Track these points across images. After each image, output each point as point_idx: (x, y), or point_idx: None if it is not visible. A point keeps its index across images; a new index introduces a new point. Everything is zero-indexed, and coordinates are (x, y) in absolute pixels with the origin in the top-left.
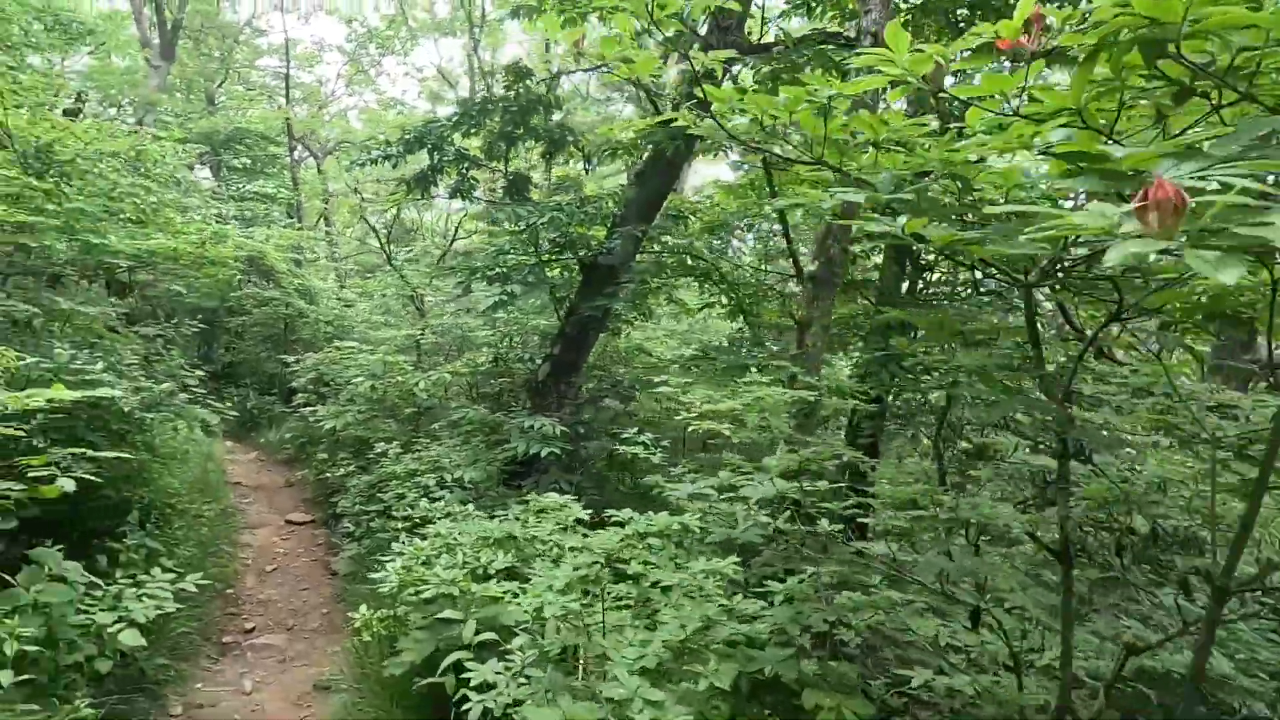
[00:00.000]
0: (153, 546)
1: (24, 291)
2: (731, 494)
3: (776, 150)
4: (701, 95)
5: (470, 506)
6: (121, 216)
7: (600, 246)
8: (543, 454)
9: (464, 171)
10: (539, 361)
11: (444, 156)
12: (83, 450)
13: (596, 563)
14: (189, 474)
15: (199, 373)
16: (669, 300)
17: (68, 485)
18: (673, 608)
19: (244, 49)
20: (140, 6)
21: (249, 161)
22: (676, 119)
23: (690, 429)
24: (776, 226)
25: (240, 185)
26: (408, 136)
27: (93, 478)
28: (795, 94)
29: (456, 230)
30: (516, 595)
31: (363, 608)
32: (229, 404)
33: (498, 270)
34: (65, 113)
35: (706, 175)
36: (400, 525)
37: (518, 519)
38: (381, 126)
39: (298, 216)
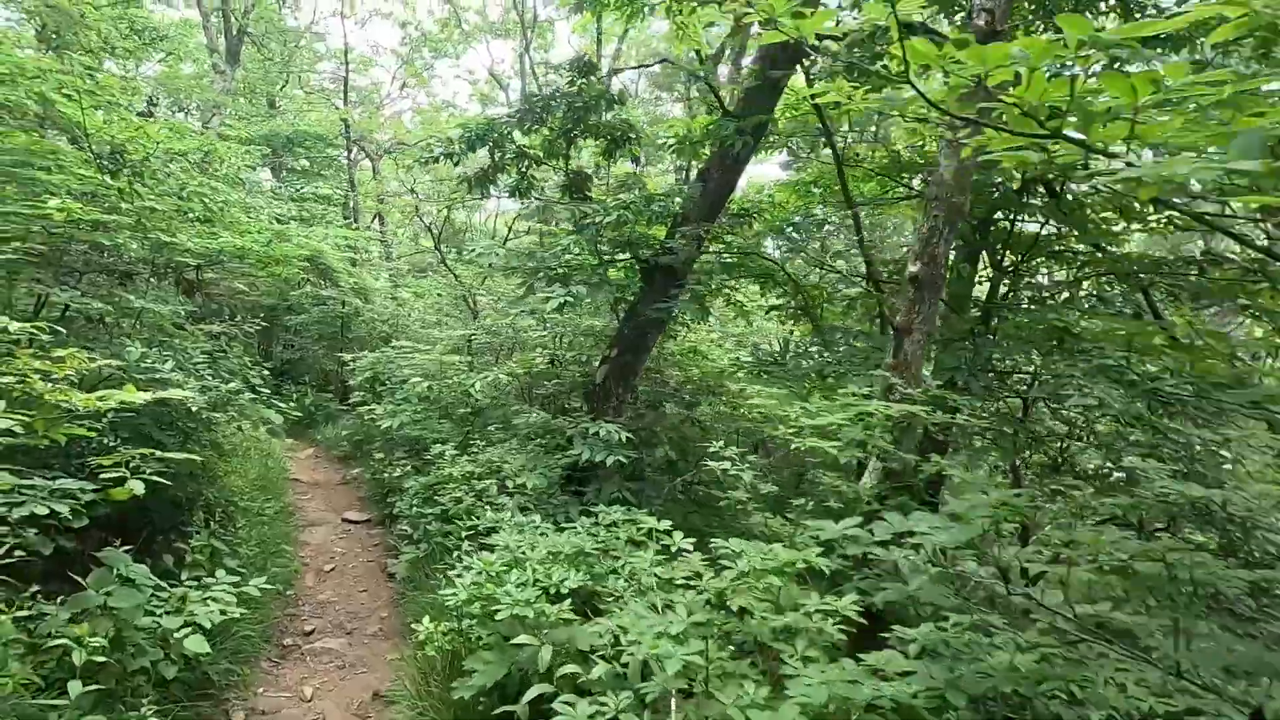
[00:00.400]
0: (217, 546)
1: (97, 289)
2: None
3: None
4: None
5: (537, 518)
6: (190, 216)
7: (661, 246)
8: (607, 461)
9: (524, 170)
10: (595, 364)
11: (505, 154)
12: (151, 450)
13: (708, 601)
14: (251, 471)
15: (268, 377)
16: (728, 302)
17: (137, 488)
18: (798, 658)
19: (304, 54)
20: (208, 13)
21: (307, 164)
22: (733, 115)
23: (794, 447)
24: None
25: (299, 186)
26: (470, 134)
27: (160, 479)
28: (1039, 46)
29: (510, 230)
30: (588, 616)
31: (426, 620)
32: (290, 403)
33: (559, 270)
34: (138, 115)
35: (751, 175)
36: (462, 532)
37: (589, 533)
38: (435, 128)
39: (354, 217)
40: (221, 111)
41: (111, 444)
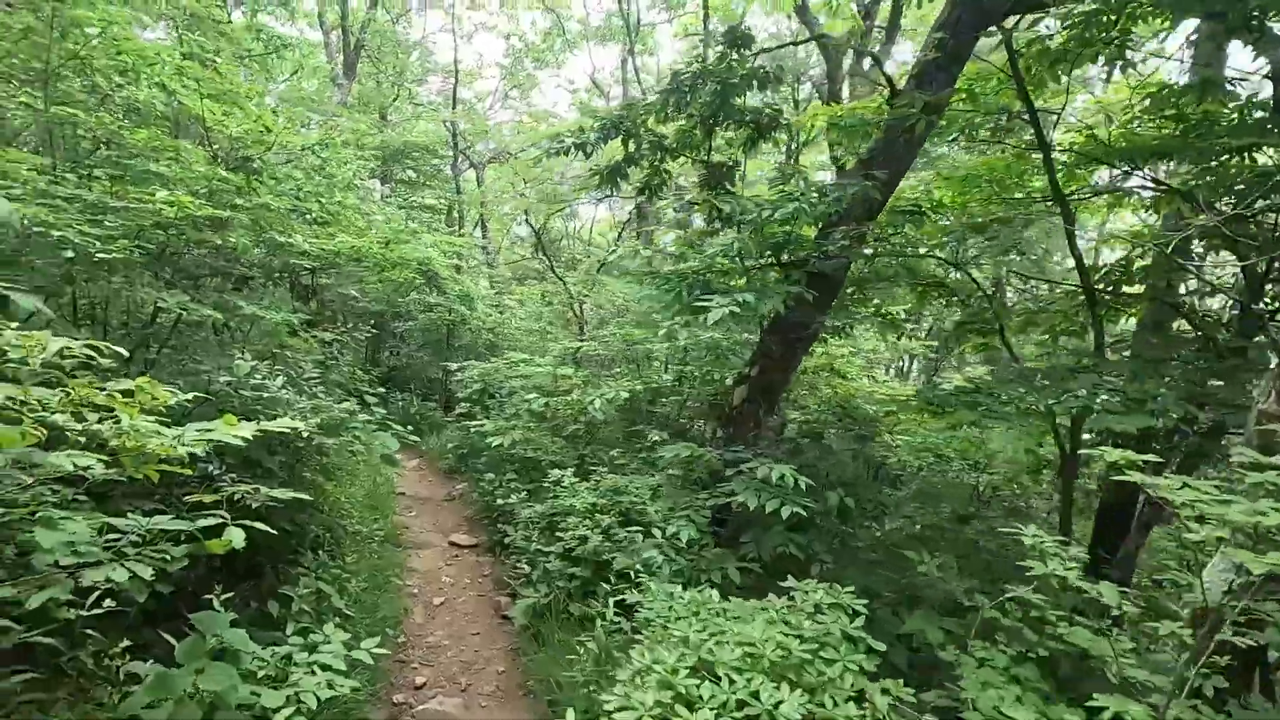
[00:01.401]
0: (324, 589)
1: (214, 294)
2: None
3: None
4: None
5: (714, 595)
6: (307, 217)
7: (816, 249)
8: (782, 512)
9: (657, 163)
10: (725, 382)
11: (640, 144)
12: (255, 487)
13: None
14: (359, 487)
15: (377, 386)
16: (877, 313)
17: (236, 540)
18: None
19: (414, 67)
20: (329, 30)
21: (414, 174)
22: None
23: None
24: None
25: (407, 196)
26: (603, 123)
27: (260, 526)
28: None
29: (620, 234)
30: None
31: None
32: (406, 426)
33: (705, 277)
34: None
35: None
36: (591, 582)
37: (786, 620)
38: (534, 138)
39: (458, 225)
40: (337, 119)
41: (216, 471)
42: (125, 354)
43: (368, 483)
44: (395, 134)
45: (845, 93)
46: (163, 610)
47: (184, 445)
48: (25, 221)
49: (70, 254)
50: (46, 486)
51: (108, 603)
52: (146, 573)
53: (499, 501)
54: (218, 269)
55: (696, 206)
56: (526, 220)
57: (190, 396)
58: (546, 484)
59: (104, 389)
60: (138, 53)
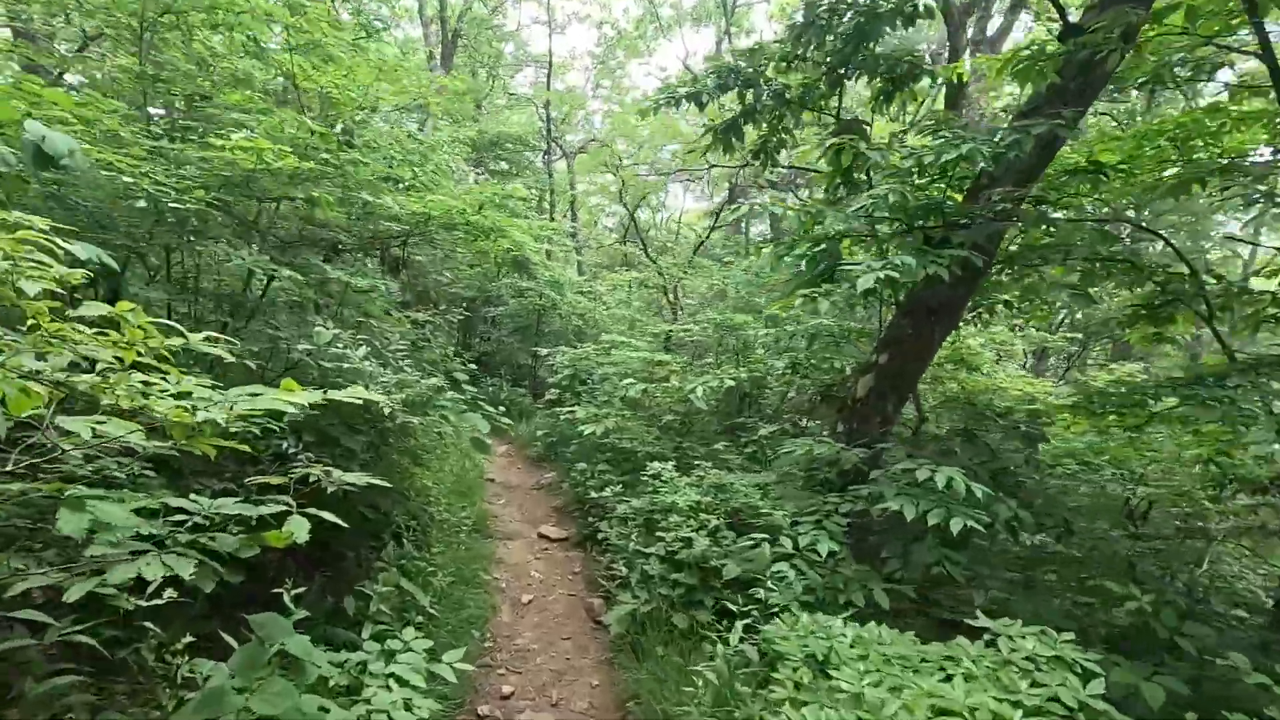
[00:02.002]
0: (406, 589)
1: (303, 264)
2: None
3: None
4: None
5: (881, 631)
6: (400, 186)
7: (960, 214)
8: (951, 525)
9: (777, 121)
10: (848, 370)
11: (761, 95)
12: (327, 469)
13: None
14: (448, 472)
15: (470, 365)
16: (1026, 297)
17: (300, 531)
18: None
19: (508, 58)
20: (429, 21)
21: (507, 165)
22: None
23: None
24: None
25: (501, 186)
26: (719, 70)
27: (332, 518)
28: None
29: (717, 218)
30: None
31: None
32: (498, 407)
33: (838, 239)
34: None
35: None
36: (705, 592)
37: (991, 677)
38: (625, 129)
39: (550, 214)
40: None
41: (292, 450)
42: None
43: (456, 467)
44: (489, 123)
45: (967, 64)
46: (230, 598)
47: (224, 415)
48: (93, 163)
49: (143, 203)
50: (114, 459)
51: (169, 593)
52: (187, 569)
53: (591, 494)
54: (307, 237)
55: (821, 164)
56: (622, 201)
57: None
58: (643, 477)
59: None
60: (228, 4)
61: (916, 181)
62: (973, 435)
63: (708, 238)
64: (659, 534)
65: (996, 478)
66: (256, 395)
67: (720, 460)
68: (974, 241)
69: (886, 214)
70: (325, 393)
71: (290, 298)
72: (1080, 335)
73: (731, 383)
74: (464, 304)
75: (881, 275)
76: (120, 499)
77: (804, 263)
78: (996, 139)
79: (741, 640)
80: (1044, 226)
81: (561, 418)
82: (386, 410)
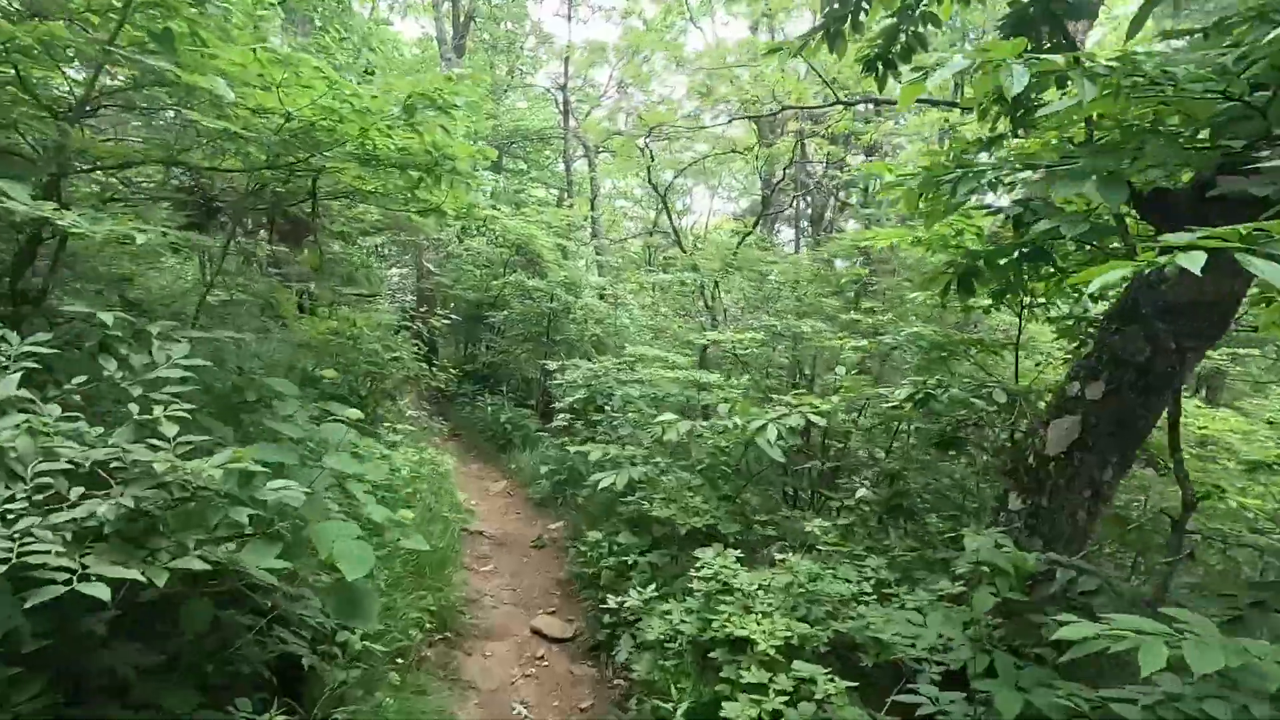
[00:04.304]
0: None
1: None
2: None
3: None
4: None
5: None
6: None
7: (1226, 154)
8: None
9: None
10: (1025, 415)
11: None
12: None
13: None
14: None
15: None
16: None
17: None
18: None
19: (527, 61)
20: (439, 2)
21: (525, 166)
22: None
23: None
24: None
25: (519, 187)
26: None
27: None
28: None
29: (758, 223)
30: None
31: None
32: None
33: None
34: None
35: None
36: None
37: None
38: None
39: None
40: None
41: None
42: None
43: (425, 515)
44: (508, 118)
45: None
46: None
47: None
48: None
49: None
50: None
51: None
52: None
53: (607, 566)
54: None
55: (976, 73)
56: (650, 180)
57: None
58: (689, 558)
59: None
60: None
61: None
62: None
63: (757, 223)
64: (723, 697)
65: None
66: None
67: (798, 532)
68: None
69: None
70: None
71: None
72: None
73: (819, 419)
74: (463, 307)
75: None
76: None
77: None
78: None
79: None
80: None
81: (573, 453)
82: None
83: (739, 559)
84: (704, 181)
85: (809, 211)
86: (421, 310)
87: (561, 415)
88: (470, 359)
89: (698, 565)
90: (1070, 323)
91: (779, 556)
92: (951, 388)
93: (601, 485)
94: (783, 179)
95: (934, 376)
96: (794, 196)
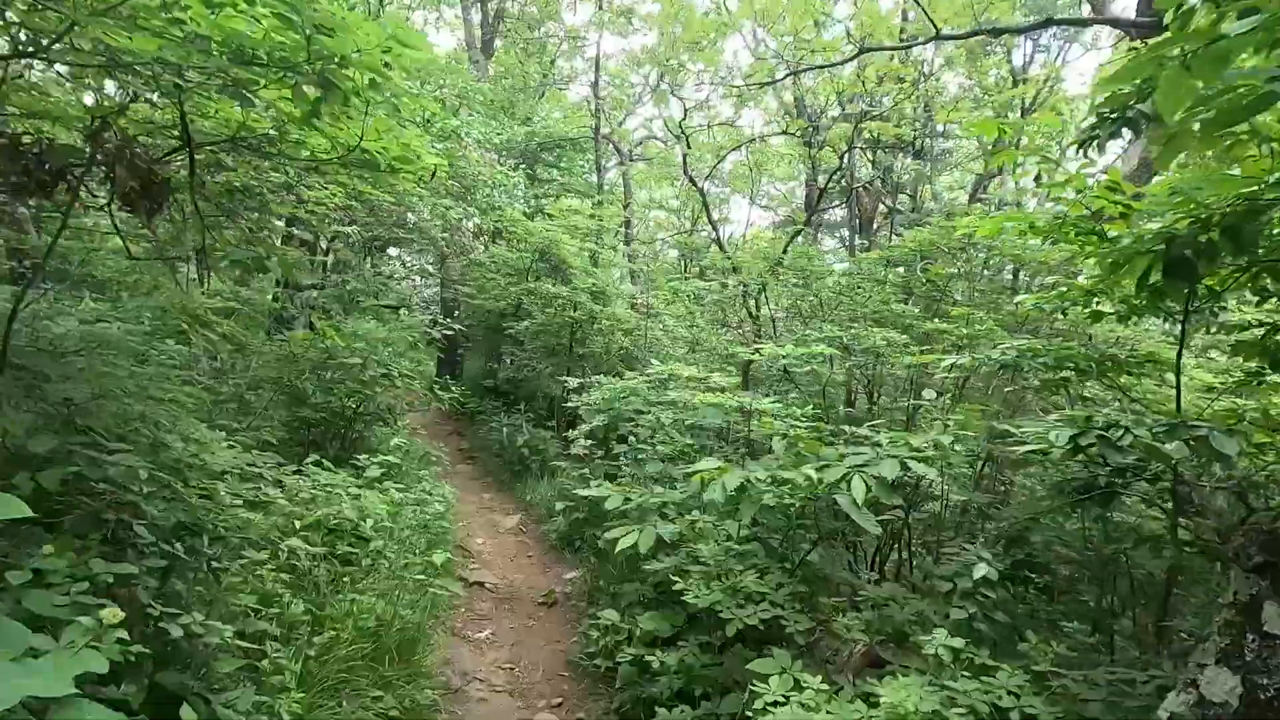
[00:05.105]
0: None
1: None
2: None
3: None
4: None
5: None
6: None
7: None
8: None
9: None
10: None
11: None
12: None
13: None
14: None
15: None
16: None
17: None
18: None
19: (558, 71)
20: (469, 7)
21: (556, 173)
22: None
23: None
24: None
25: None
26: None
27: None
28: None
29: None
30: None
31: None
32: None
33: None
34: None
35: None
36: None
37: None
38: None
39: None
40: (471, 96)
41: None
42: None
43: (390, 575)
44: (539, 125)
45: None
46: None
47: None
48: None
49: None
50: None
51: None
52: None
53: (625, 663)
54: None
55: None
56: (686, 173)
57: None
58: (735, 656)
59: None
60: None
61: None
62: None
63: (808, 220)
64: None
65: None
66: None
67: (888, 619)
68: None
69: None
70: None
71: None
72: None
73: (924, 467)
74: (487, 318)
75: None
76: None
77: None
78: None
79: None
80: None
81: (590, 495)
82: None
83: (811, 675)
84: (742, 192)
85: (853, 221)
86: (444, 321)
87: (580, 442)
88: (491, 374)
89: (754, 688)
90: (1262, 333)
91: (868, 664)
92: (1131, 429)
93: (620, 546)
94: (836, 173)
95: (1097, 411)
96: (850, 191)
